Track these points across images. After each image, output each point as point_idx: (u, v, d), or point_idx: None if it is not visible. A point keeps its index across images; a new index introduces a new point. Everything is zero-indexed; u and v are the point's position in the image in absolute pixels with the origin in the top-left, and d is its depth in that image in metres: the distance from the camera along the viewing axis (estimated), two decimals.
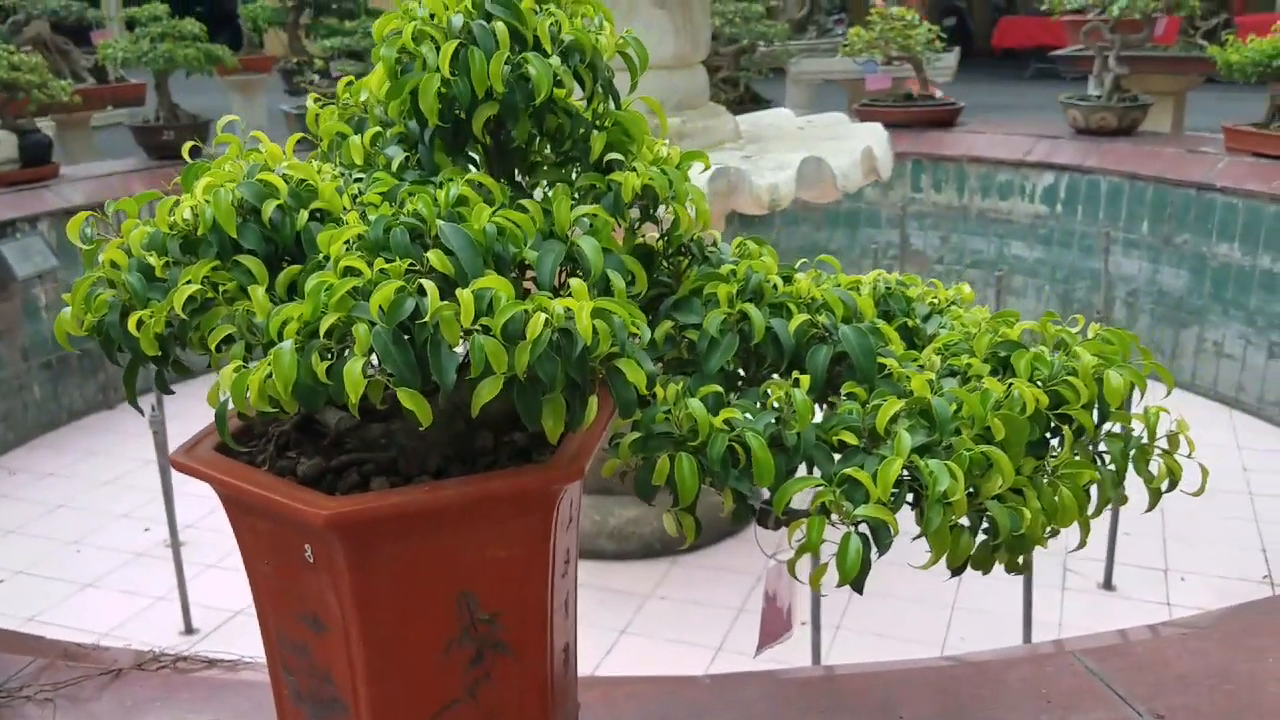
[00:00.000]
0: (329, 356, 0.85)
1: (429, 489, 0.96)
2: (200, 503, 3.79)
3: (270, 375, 0.85)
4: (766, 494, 1.04)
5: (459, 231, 0.89)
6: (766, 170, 3.27)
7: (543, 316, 0.85)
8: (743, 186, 3.13)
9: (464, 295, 0.84)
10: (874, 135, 3.70)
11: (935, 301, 1.23)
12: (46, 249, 4.91)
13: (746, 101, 6.56)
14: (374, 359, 0.87)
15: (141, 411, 1.06)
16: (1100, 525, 3.61)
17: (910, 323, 1.18)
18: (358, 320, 0.84)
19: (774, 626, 1.25)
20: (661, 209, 1.13)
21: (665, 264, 1.19)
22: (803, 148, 3.55)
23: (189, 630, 3.36)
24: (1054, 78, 10.78)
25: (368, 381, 0.85)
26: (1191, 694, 1.35)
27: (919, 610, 3.40)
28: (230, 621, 3.39)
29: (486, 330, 0.84)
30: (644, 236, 1.17)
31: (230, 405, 0.92)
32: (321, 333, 0.85)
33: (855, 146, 3.50)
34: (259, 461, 1.04)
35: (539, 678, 1.06)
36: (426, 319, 0.84)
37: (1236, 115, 5.54)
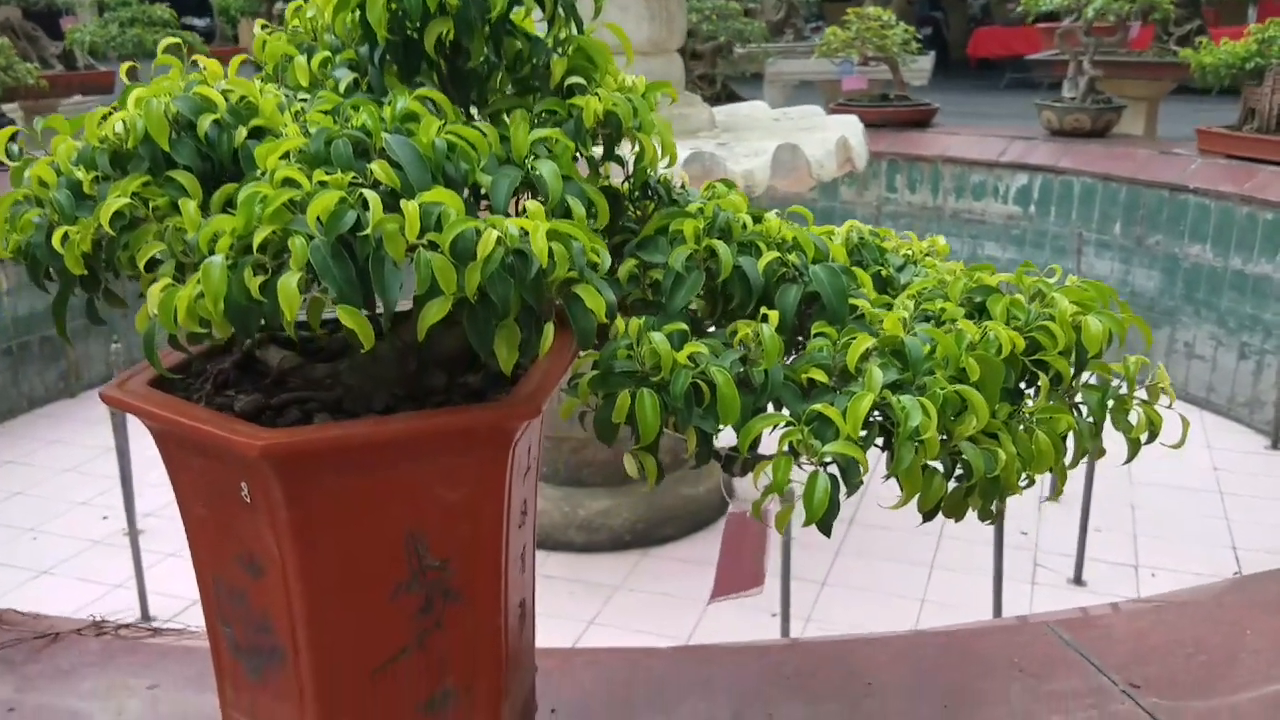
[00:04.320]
0: (263, 272, 0.79)
1: (373, 422, 0.90)
2: (160, 492, 3.67)
3: (200, 293, 0.80)
4: (734, 440, 1.00)
5: (406, 144, 0.83)
6: (741, 156, 3.24)
7: (495, 234, 0.80)
8: (717, 171, 3.09)
9: (409, 207, 0.78)
10: (849, 126, 3.68)
11: (910, 253, 1.19)
12: None
13: (723, 99, 6.52)
14: (321, 286, 0.81)
15: (70, 343, 1.00)
16: (1071, 521, 3.62)
17: (884, 272, 1.14)
18: (294, 233, 0.79)
19: (737, 578, 1.20)
20: (626, 148, 1.08)
21: (630, 207, 1.15)
22: (778, 136, 3.52)
23: (146, 618, 3.28)
24: (1029, 87, 10.83)
25: (306, 301, 0.80)
26: (1166, 664, 1.31)
27: (889, 602, 3.38)
28: (188, 610, 3.31)
29: (434, 246, 0.79)
30: (607, 178, 1.12)
31: (161, 333, 0.86)
32: (255, 247, 0.79)
33: (830, 136, 3.48)
34: (195, 398, 0.98)
35: (492, 630, 1.01)
36: (369, 231, 0.78)
37: (1209, 125, 5.57)
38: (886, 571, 3.62)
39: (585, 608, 3.40)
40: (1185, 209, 4.96)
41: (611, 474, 3.86)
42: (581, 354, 0.98)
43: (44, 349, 4.96)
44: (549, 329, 0.85)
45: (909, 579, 3.55)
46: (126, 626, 1.42)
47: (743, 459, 0.98)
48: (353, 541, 0.91)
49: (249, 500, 0.91)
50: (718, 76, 6.63)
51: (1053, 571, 3.63)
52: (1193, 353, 4.98)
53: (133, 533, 3.34)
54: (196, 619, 3.49)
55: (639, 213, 1.15)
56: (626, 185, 1.13)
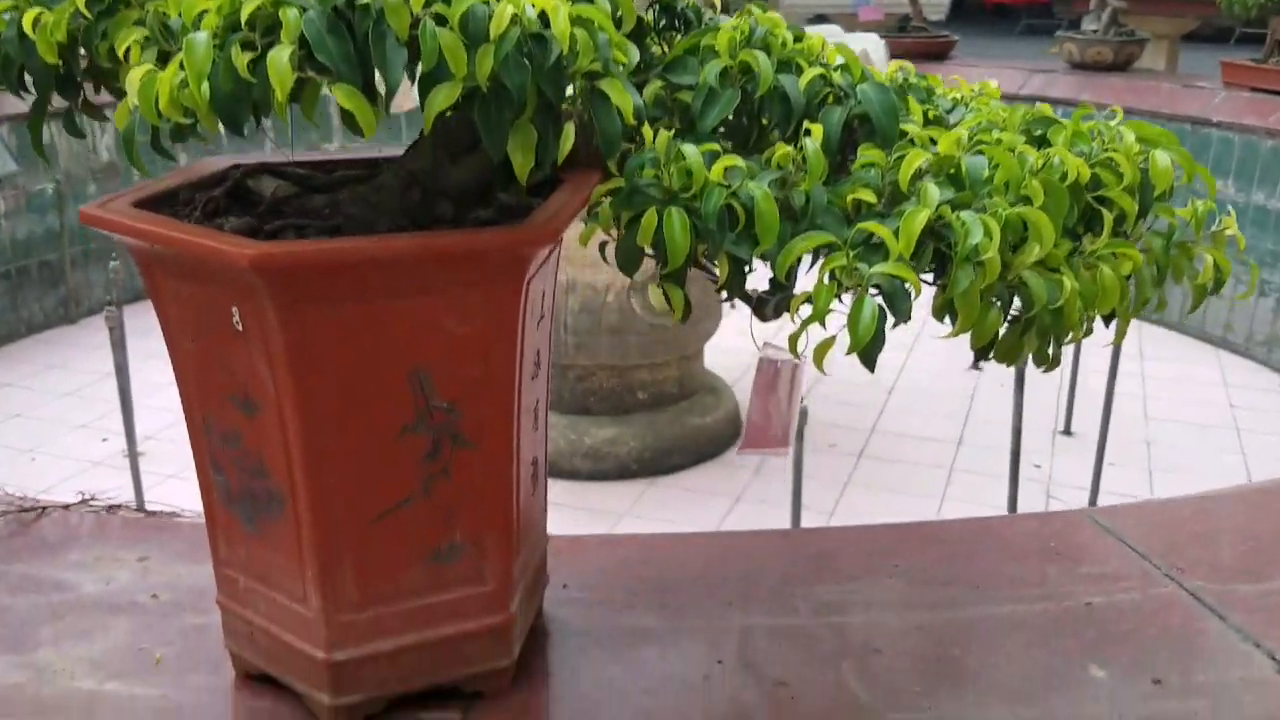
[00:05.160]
0: (252, 50, 0.71)
1: (374, 239, 0.82)
2: (160, 415, 3.64)
3: (185, 80, 0.71)
4: (766, 284, 0.92)
5: None
6: None
7: (510, 11, 0.71)
8: None
9: None
10: (870, 41, 3.57)
11: (959, 96, 1.10)
12: (5, 153, 4.69)
13: None
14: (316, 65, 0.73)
15: (48, 161, 0.92)
16: (1085, 456, 3.55)
17: (931, 112, 1.05)
18: (286, 4, 0.70)
19: (766, 435, 1.13)
20: None
21: (655, 40, 1.05)
22: None
23: None
24: (1044, 34, 10.61)
25: (301, 82, 0.71)
26: (1211, 549, 1.24)
27: None
28: None
29: (441, 21, 0.71)
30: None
31: (144, 129, 0.78)
32: (243, 22, 0.71)
33: (851, 50, 3.36)
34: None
35: (503, 482, 0.93)
36: (368, 1, 0.70)
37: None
38: (895, 505, 3.56)
39: (588, 534, 3.35)
40: (1208, 142, 4.83)
41: (618, 403, 3.79)
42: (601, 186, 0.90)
43: (42, 274, 4.87)
44: (569, 129, 0.77)
45: (918, 511, 3.49)
46: (118, 506, 1.36)
47: (777, 300, 0.90)
48: (353, 374, 0.83)
49: (241, 328, 0.83)
50: (730, 5, 6.46)
51: (1066, 504, 3.57)
52: None
53: (132, 453, 3.27)
54: None
55: (664, 49, 1.06)
56: (651, 14, 1.04)
